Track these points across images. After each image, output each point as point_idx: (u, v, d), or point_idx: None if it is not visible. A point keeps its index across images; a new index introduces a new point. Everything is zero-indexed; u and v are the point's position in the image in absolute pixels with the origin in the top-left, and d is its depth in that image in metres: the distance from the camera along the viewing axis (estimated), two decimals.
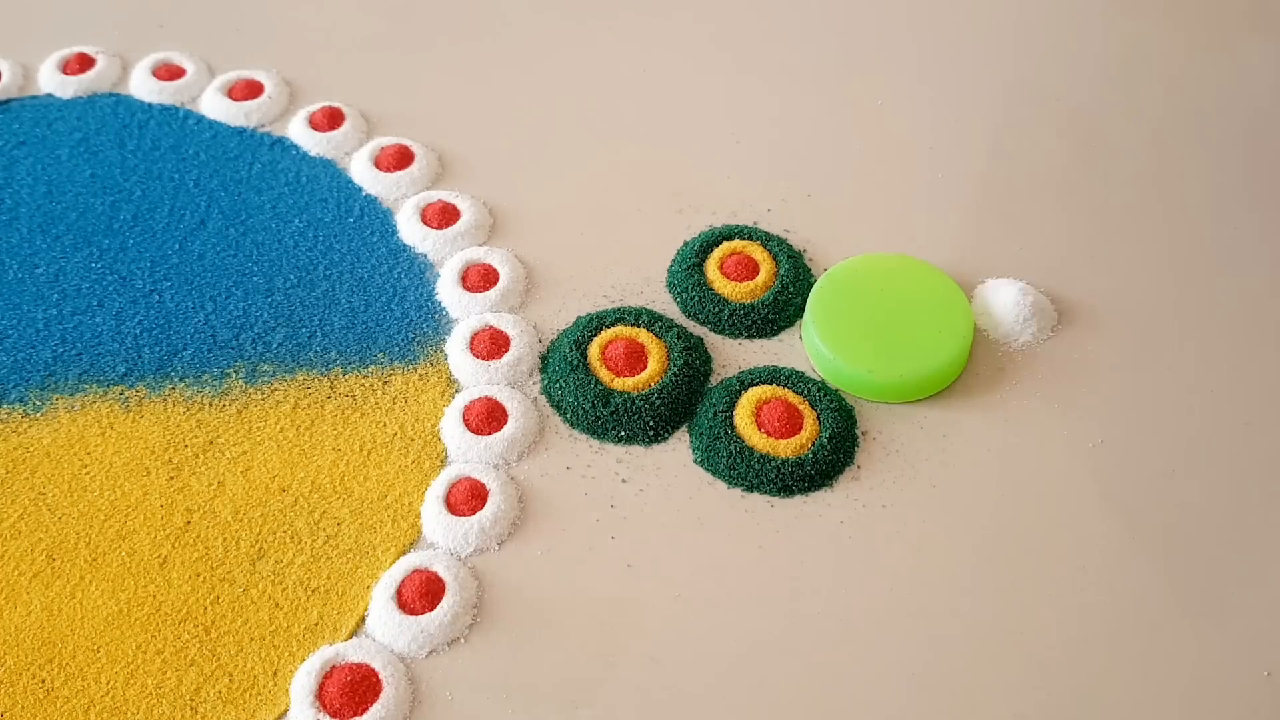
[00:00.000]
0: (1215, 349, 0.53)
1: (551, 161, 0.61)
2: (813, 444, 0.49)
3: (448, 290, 0.55)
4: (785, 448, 0.49)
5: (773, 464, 0.49)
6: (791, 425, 0.49)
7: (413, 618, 0.45)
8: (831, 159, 0.60)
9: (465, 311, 0.54)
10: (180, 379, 0.52)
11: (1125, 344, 0.53)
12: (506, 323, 0.53)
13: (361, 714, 0.42)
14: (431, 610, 0.45)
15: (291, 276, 0.56)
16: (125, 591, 0.46)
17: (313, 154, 0.61)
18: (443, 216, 0.57)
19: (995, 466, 0.49)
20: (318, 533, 0.47)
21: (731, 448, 0.49)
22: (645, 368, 0.51)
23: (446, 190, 0.59)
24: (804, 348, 0.53)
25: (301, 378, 0.52)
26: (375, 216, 0.58)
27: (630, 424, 0.50)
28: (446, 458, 0.50)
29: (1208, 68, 0.65)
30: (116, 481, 0.49)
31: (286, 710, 0.43)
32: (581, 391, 0.50)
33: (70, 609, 0.45)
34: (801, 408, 0.50)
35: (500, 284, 0.55)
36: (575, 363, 0.51)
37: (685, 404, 0.51)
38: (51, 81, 0.64)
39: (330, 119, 0.62)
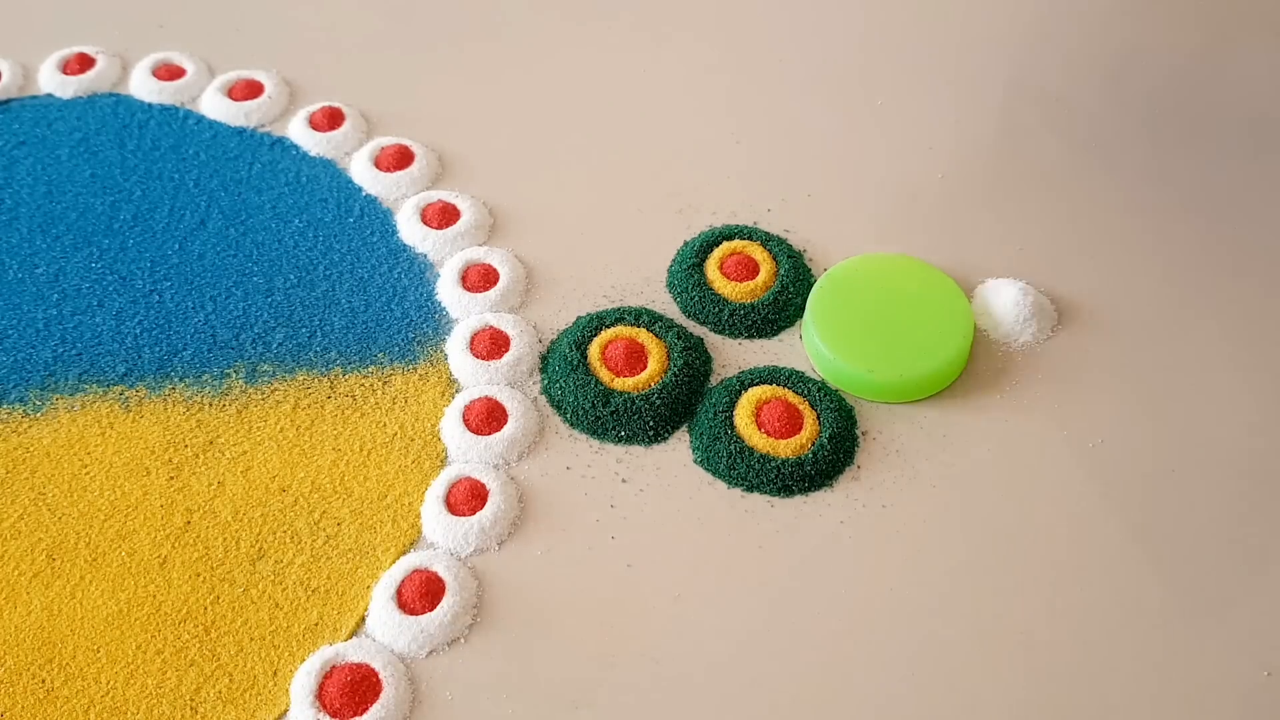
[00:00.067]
0: (1215, 349, 0.53)
1: (551, 161, 0.61)
2: (813, 444, 0.49)
3: (448, 290, 0.55)
4: (785, 448, 0.49)
5: (773, 464, 0.49)
6: (791, 425, 0.49)
7: (413, 618, 0.45)
8: (831, 159, 0.60)
9: (465, 311, 0.54)
10: (180, 379, 0.52)
11: (1125, 344, 0.53)
12: (506, 323, 0.53)
13: (361, 714, 0.42)
14: (431, 610, 0.45)
15: (291, 276, 0.56)
16: (125, 591, 0.46)
17: (313, 154, 0.61)
18: (443, 216, 0.57)
19: (995, 466, 0.49)
20: (318, 533, 0.47)
21: (731, 448, 0.49)
22: (645, 368, 0.51)
23: (446, 190, 0.59)
24: (804, 348, 0.53)
25: (301, 378, 0.52)
26: (375, 216, 0.58)
27: (630, 424, 0.50)
28: (446, 458, 0.50)
29: (1207, 68, 0.65)
30: (116, 481, 0.49)
31: (286, 710, 0.43)
32: (581, 391, 0.50)
33: (70, 609, 0.45)
34: (801, 408, 0.50)
35: (500, 284, 0.55)
36: (575, 363, 0.51)
37: (685, 404, 0.51)
38: (51, 81, 0.64)
39: (330, 119, 0.62)
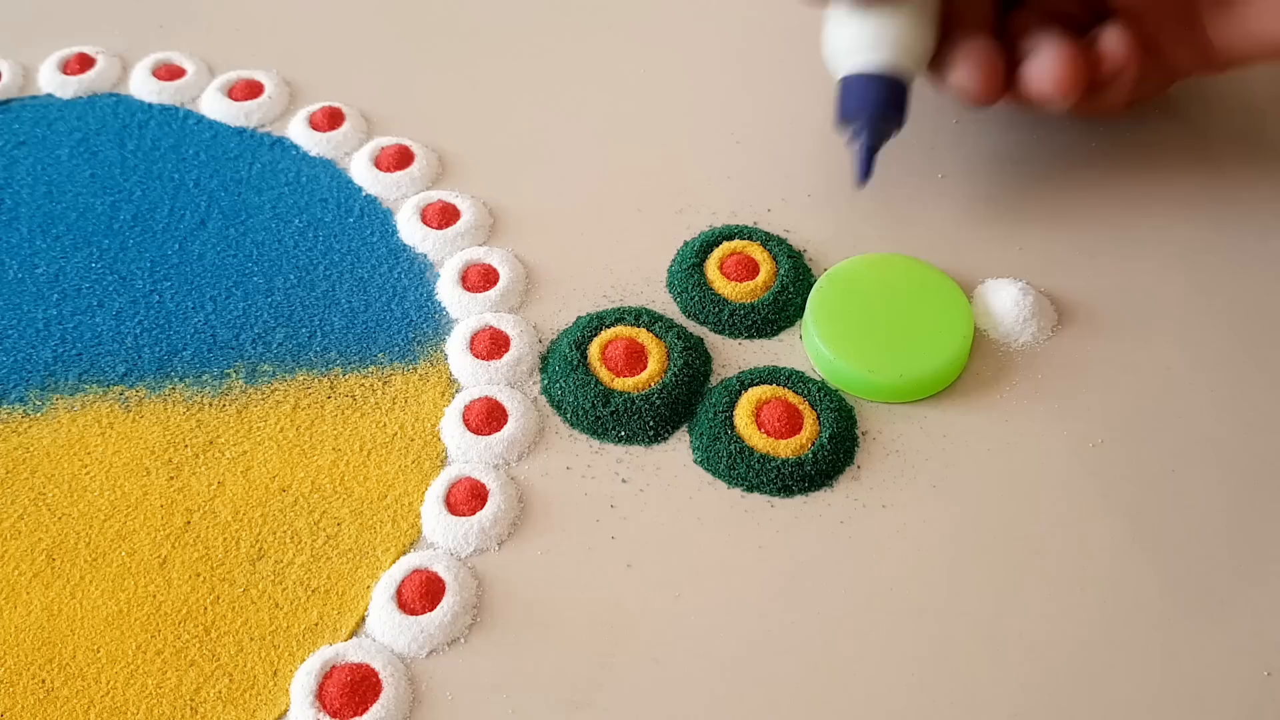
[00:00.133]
0: (1215, 349, 0.53)
1: (551, 161, 0.61)
2: (813, 444, 0.49)
3: (448, 290, 0.55)
4: (785, 448, 0.49)
5: (773, 464, 0.48)
6: (791, 425, 0.49)
7: (413, 618, 0.45)
8: (831, 159, 0.60)
9: (465, 311, 0.54)
10: (180, 379, 0.52)
11: (1125, 344, 0.53)
12: (506, 323, 0.53)
13: (361, 714, 0.42)
14: (431, 610, 0.45)
15: (291, 276, 0.56)
16: (125, 591, 0.46)
17: (313, 154, 0.61)
18: (443, 216, 0.57)
19: (995, 466, 0.49)
20: (318, 533, 0.47)
21: (731, 448, 0.49)
22: (645, 368, 0.51)
23: (446, 190, 0.59)
24: (804, 348, 0.53)
25: (301, 378, 0.52)
26: (375, 216, 0.58)
27: (630, 424, 0.50)
28: (446, 458, 0.50)
29: None
30: (116, 481, 0.49)
31: (286, 710, 0.43)
32: (581, 391, 0.50)
33: (70, 609, 0.45)
34: (801, 408, 0.50)
35: (500, 284, 0.55)
36: (575, 363, 0.51)
37: (685, 404, 0.51)
38: (51, 81, 0.64)
39: (330, 119, 0.62)
